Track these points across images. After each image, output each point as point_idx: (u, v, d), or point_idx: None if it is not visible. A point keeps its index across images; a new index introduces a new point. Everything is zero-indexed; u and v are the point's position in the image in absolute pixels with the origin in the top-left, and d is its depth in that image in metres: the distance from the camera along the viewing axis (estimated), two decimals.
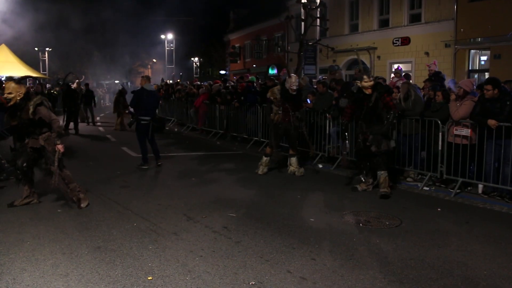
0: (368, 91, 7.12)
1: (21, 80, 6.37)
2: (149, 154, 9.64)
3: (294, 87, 8.38)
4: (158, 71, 52.39)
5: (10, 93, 6.06)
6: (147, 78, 9.93)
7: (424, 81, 9.87)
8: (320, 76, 20.09)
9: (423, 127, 7.98)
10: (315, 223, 5.77)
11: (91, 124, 19.64)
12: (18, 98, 6.09)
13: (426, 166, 7.96)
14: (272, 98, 8.63)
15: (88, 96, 19.29)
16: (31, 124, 6.23)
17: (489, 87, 6.92)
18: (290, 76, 8.51)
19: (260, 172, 8.78)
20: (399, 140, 8.29)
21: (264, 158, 8.91)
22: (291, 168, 8.89)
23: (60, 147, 6.26)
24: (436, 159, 7.76)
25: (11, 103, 6.10)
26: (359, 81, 7.20)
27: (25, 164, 6.33)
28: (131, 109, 10.05)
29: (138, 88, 10.00)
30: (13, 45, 25.87)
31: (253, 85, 14.08)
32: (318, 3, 20.66)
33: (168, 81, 30.19)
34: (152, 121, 9.54)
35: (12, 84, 6.10)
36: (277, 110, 8.57)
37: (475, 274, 4.28)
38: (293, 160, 8.89)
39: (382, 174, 7.15)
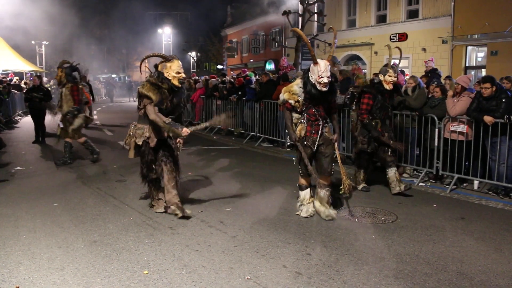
0: (390, 86, 6.83)
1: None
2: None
3: (326, 80, 5.38)
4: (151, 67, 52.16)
5: (178, 72, 5.57)
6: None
7: (421, 77, 9.87)
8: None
9: (419, 123, 7.99)
10: (311, 218, 5.78)
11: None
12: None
13: (422, 162, 7.98)
14: (290, 100, 5.69)
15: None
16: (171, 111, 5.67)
17: (487, 85, 6.93)
18: (316, 63, 5.45)
19: (304, 214, 5.79)
20: (396, 134, 8.30)
21: (302, 194, 5.91)
22: (317, 206, 5.85)
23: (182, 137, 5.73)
24: (432, 155, 7.78)
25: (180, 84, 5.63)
26: (381, 74, 6.87)
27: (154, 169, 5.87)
28: None
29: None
30: (10, 38, 25.74)
31: (250, 80, 14.05)
32: None
33: None
34: None
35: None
36: (299, 118, 5.77)
37: (469, 269, 4.30)
38: (323, 195, 5.81)
39: (396, 171, 6.98)
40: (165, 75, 5.51)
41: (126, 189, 7.13)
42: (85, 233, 5.11)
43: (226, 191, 7.10)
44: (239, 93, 13.26)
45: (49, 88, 15.53)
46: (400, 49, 7.53)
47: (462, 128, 7.33)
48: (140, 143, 5.71)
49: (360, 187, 7.29)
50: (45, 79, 24.13)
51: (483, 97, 6.99)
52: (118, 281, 3.95)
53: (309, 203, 5.87)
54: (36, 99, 11.74)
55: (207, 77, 17.62)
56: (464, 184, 7.62)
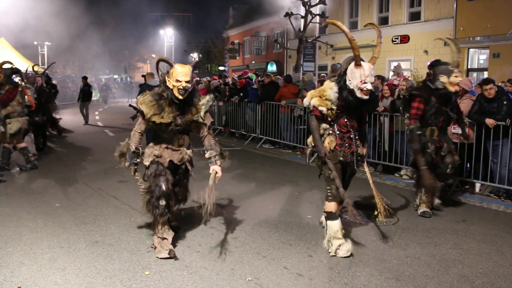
0: (456, 88, 5.84)
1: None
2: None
3: (370, 86, 4.53)
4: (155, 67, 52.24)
5: (188, 82, 4.52)
6: (151, 74, 10.60)
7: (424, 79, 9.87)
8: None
9: None
10: (312, 220, 5.78)
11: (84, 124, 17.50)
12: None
13: None
14: (321, 108, 4.70)
15: (85, 92, 17.75)
16: (182, 130, 4.78)
17: (491, 85, 6.93)
18: (359, 65, 4.55)
19: (344, 254, 4.56)
20: (397, 138, 8.32)
21: (333, 225, 4.71)
22: (334, 245, 4.66)
23: (219, 170, 4.83)
24: None
25: (185, 95, 4.52)
26: (443, 75, 5.78)
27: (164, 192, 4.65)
28: (133, 103, 10.40)
29: (143, 83, 10.73)
30: (12, 39, 25.80)
31: (252, 81, 14.07)
32: (318, 1, 20.65)
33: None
34: None
35: (189, 69, 4.59)
36: (326, 129, 4.84)
37: (471, 272, 4.30)
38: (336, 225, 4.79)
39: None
40: (167, 83, 4.56)
41: (127, 190, 7.14)
42: (87, 234, 5.12)
43: (227, 192, 7.09)
44: (241, 94, 13.27)
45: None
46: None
47: None
48: (147, 164, 4.75)
49: (420, 210, 6.07)
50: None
51: (485, 99, 6.99)
52: (120, 281, 3.96)
53: (340, 237, 4.65)
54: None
55: (208, 78, 17.65)
56: (466, 187, 7.61)
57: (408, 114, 6.11)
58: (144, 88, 10.12)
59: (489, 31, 16.62)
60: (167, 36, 49.54)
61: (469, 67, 18.32)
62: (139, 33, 48.75)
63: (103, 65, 49.51)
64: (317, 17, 20.98)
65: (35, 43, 33.10)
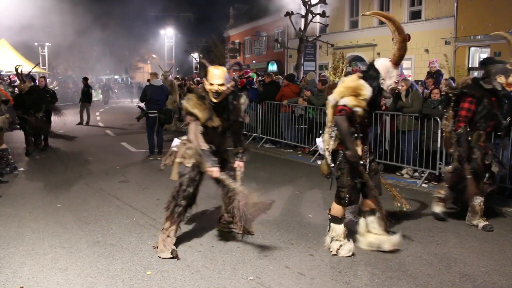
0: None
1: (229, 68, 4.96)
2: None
3: (399, 85, 4.46)
4: (157, 67, 52.33)
5: (222, 84, 4.47)
6: (155, 74, 10.86)
7: (427, 78, 9.87)
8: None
9: (421, 124, 7.99)
10: (314, 219, 5.78)
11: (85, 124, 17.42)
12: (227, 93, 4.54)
13: (425, 163, 7.97)
14: (357, 108, 4.32)
15: (86, 93, 17.69)
16: (223, 130, 4.77)
17: None
18: (397, 64, 4.44)
19: (347, 253, 4.55)
20: (398, 137, 8.32)
21: (339, 228, 4.64)
22: (374, 238, 4.70)
23: (243, 166, 4.91)
24: (434, 156, 7.77)
25: (219, 98, 4.49)
26: (500, 75, 5.26)
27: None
28: (141, 104, 10.51)
29: (147, 84, 10.91)
30: (13, 40, 25.84)
31: (253, 80, 14.07)
32: (318, 0, 20.65)
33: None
34: (160, 114, 10.05)
35: (223, 71, 4.53)
36: (353, 131, 4.47)
37: (472, 271, 4.30)
38: (372, 221, 4.74)
39: (483, 202, 5.56)
40: (205, 86, 4.54)
41: (129, 190, 7.15)
42: (89, 234, 5.12)
43: None
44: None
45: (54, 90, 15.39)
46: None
47: None
48: (189, 165, 4.63)
49: (480, 224, 5.51)
50: (48, 80, 24.11)
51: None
52: (122, 281, 3.96)
53: (343, 238, 4.63)
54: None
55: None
56: None
57: (447, 114, 5.62)
58: (147, 87, 10.39)
59: (490, 30, 16.58)
60: (168, 36, 49.56)
61: (470, 66, 18.31)
62: (139, 33, 48.76)
63: (103, 66, 49.56)
64: (318, 16, 20.98)
65: (36, 43, 33.13)
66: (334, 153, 4.53)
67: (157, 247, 4.58)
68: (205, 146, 4.55)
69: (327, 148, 4.56)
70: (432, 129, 7.78)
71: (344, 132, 4.33)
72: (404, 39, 4.37)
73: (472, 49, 18.31)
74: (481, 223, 5.53)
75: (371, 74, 4.42)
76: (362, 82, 4.38)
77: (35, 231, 5.20)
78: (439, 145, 7.64)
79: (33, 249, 4.64)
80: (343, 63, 18.30)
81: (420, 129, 8.03)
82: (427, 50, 19.43)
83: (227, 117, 4.64)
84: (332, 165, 4.55)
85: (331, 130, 4.51)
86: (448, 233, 5.35)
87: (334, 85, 5.08)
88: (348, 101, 4.28)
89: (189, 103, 4.56)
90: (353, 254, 4.56)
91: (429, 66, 11.29)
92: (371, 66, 4.48)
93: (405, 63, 19.34)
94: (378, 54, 22.12)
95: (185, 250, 4.66)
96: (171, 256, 4.43)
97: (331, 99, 4.46)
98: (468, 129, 5.38)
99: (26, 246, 4.73)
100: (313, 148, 9.94)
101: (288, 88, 11.41)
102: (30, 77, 11.75)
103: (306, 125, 10.52)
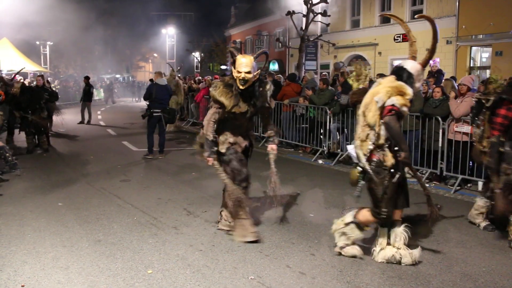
0: None
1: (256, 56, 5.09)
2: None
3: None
4: (159, 66, 52.32)
5: (249, 72, 4.72)
6: (160, 73, 10.84)
7: (428, 78, 9.86)
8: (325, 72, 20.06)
9: (422, 124, 7.98)
10: (315, 218, 5.78)
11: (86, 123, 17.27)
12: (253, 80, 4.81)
13: (426, 163, 7.96)
14: (404, 108, 4.11)
15: (87, 92, 17.51)
16: (251, 116, 5.07)
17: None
18: (424, 66, 4.44)
19: (338, 248, 4.54)
20: None
21: (352, 231, 4.47)
22: (389, 253, 4.37)
23: (275, 148, 5.21)
24: (436, 156, 7.77)
25: (246, 85, 4.77)
26: None
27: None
28: (146, 102, 10.60)
29: (151, 83, 10.97)
30: (15, 39, 25.86)
31: None
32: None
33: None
34: (163, 113, 10.10)
35: (250, 60, 4.78)
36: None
37: (474, 270, 4.30)
38: (396, 233, 4.43)
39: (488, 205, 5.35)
40: (233, 73, 4.82)
41: (130, 189, 7.15)
42: (90, 233, 5.13)
43: None
44: None
45: (54, 89, 15.35)
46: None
47: (467, 128, 7.31)
48: (223, 150, 4.97)
49: (482, 224, 5.50)
50: (49, 79, 24.12)
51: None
52: (123, 280, 3.96)
53: (351, 239, 4.50)
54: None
55: (210, 77, 17.66)
56: (469, 185, 7.60)
57: (479, 122, 5.22)
58: (151, 87, 10.42)
59: (492, 29, 16.57)
60: (169, 35, 49.53)
61: (471, 65, 18.28)
62: (141, 32, 48.76)
63: (105, 65, 49.57)
64: (319, 15, 20.97)
65: (37, 43, 33.15)
66: (368, 161, 4.22)
67: (228, 231, 5.02)
68: (210, 135, 4.85)
69: (365, 154, 4.23)
70: (433, 128, 7.78)
71: (397, 132, 4.06)
72: (436, 43, 4.41)
73: (474, 48, 18.27)
74: (483, 223, 5.51)
75: (407, 76, 4.22)
76: (401, 83, 4.19)
77: (36, 230, 5.20)
78: (440, 144, 7.64)
79: (34, 248, 4.65)
80: (365, 69, 18.28)
81: (421, 129, 8.02)
82: (428, 50, 19.36)
83: (254, 103, 4.88)
84: (372, 172, 4.18)
85: (371, 134, 4.19)
86: (449, 233, 5.35)
87: (360, 91, 4.77)
88: (398, 100, 4.05)
89: (216, 91, 4.83)
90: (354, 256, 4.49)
91: (430, 65, 11.27)
92: (403, 68, 4.29)
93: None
94: (380, 53, 22.13)
95: (186, 249, 4.66)
96: (255, 239, 4.81)
97: (378, 99, 4.10)
98: (503, 139, 4.87)
99: (27, 244, 4.74)
100: (314, 148, 9.90)
101: (289, 88, 11.40)
102: (12, 78, 11.81)
103: (307, 124, 10.52)
